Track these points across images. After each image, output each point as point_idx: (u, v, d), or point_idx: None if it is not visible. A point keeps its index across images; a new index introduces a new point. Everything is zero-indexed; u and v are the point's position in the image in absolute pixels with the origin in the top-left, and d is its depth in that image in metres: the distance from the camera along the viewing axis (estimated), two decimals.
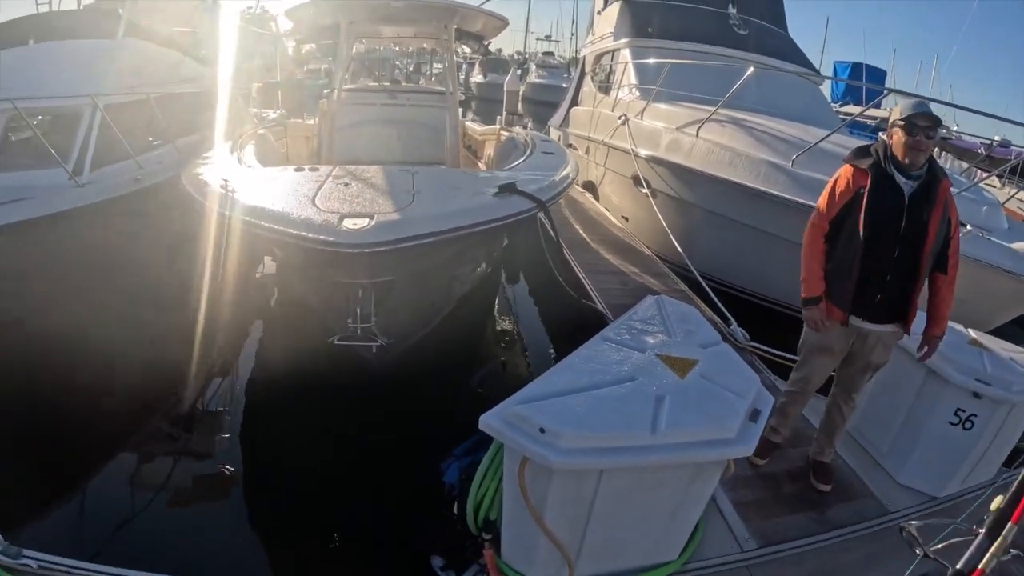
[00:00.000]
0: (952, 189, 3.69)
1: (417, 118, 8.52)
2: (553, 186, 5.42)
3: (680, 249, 7.20)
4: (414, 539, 3.61)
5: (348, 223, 3.63)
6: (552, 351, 6.16)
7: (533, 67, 39.83)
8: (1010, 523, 1.45)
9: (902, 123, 3.18)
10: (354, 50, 10.66)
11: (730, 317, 6.01)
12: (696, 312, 3.70)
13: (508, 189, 4.64)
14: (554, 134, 12.94)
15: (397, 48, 13.92)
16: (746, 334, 5.73)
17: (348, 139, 8.00)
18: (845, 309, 3.42)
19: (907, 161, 3.20)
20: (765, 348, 5.62)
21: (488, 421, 2.47)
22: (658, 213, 7.74)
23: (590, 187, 10.96)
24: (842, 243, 3.37)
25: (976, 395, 3.73)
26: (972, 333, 4.20)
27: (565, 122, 12.45)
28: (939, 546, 1.62)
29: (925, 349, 3.58)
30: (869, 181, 3.27)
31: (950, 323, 4.26)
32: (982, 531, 1.50)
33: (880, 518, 3.78)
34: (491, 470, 2.81)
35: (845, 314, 3.42)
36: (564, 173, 5.94)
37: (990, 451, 4.10)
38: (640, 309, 3.53)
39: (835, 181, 3.45)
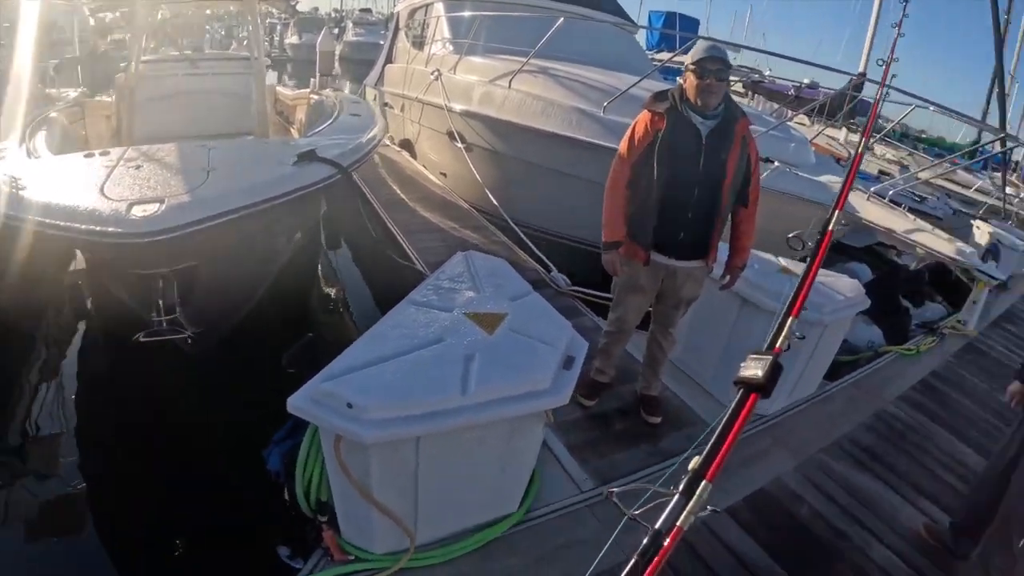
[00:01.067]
0: (755, 127, 3.86)
1: (221, 87, 8.04)
2: (357, 149, 5.26)
3: (495, 201, 7.21)
4: (255, 533, 3.47)
5: (137, 210, 3.32)
6: (380, 315, 5.77)
7: (350, 25, 38.07)
8: (704, 481, 1.49)
9: (693, 67, 3.26)
10: (159, 17, 9.87)
11: (550, 264, 6.11)
12: (505, 264, 3.73)
13: (307, 157, 4.43)
14: (370, 93, 12.54)
15: (209, 12, 12.99)
16: (567, 279, 5.84)
17: (148, 115, 7.42)
18: (647, 248, 3.53)
19: (700, 103, 3.29)
20: (587, 291, 5.75)
21: (295, 403, 2.37)
22: (472, 167, 7.69)
23: (407, 145, 10.71)
24: (643, 185, 3.44)
25: None
26: (782, 261, 4.47)
27: (380, 80, 11.99)
28: (641, 510, 1.56)
29: (727, 279, 3.79)
30: (665, 124, 3.35)
31: (761, 253, 4.51)
32: (678, 491, 1.51)
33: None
34: (312, 451, 2.72)
35: (647, 253, 3.54)
36: (371, 135, 5.79)
37: (809, 369, 4.44)
38: (448, 267, 3.50)
39: (634, 126, 3.50)
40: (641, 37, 13.64)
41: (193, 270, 3.74)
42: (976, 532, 3.38)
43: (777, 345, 1.80)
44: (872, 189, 6.84)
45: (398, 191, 8.32)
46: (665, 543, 1.46)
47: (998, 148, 11.38)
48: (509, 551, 2.96)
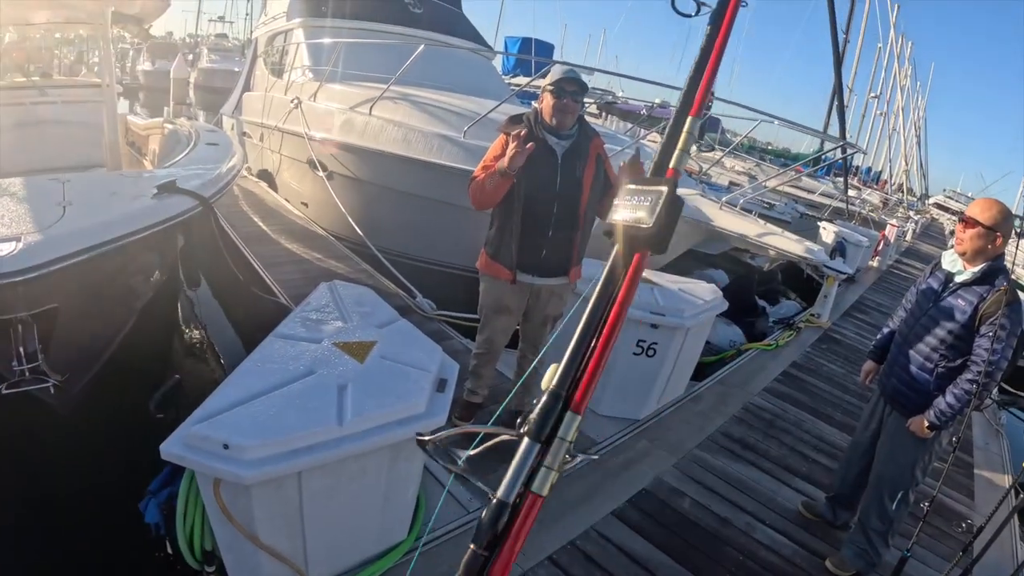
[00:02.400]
0: (610, 146, 4.04)
1: (70, 116, 7.54)
2: (217, 179, 5.11)
3: (358, 229, 7.12)
4: None
5: None
6: (246, 353, 5.55)
7: (205, 51, 36.52)
8: (570, 412, 1.06)
9: (551, 88, 3.36)
10: (6, 39, 9.26)
11: (414, 290, 6.12)
12: (370, 292, 3.72)
13: (168, 188, 4.27)
14: (227, 123, 12.11)
15: (59, 35, 12.15)
16: (432, 304, 5.87)
17: None
18: (511, 268, 3.58)
19: (555, 122, 3.40)
20: (453, 314, 5.81)
21: (169, 449, 2.24)
22: (333, 194, 7.55)
23: (267, 176, 10.42)
24: (504, 207, 3.51)
25: (653, 326, 4.18)
26: (644, 272, 4.68)
27: (238, 109, 11.59)
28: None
29: None
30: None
31: None
32: (525, 432, 1.10)
33: (590, 450, 4.08)
34: (191, 498, 2.59)
35: (512, 272, 3.58)
36: (230, 165, 5.62)
37: (676, 372, 4.64)
38: (313, 298, 3.45)
39: (491, 150, 3.55)
40: (498, 62, 13.93)
41: (53, 313, 3.46)
42: (851, 501, 3.67)
43: (671, 166, 1.08)
44: (724, 199, 7.26)
45: (258, 223, 7.99)
46: (518, 523, 1.04)
47: (839, 155, 12.26)
48: None
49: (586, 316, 1.08)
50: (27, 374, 3.40)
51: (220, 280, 6.97)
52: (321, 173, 7.69)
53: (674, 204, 1.01)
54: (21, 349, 3.36)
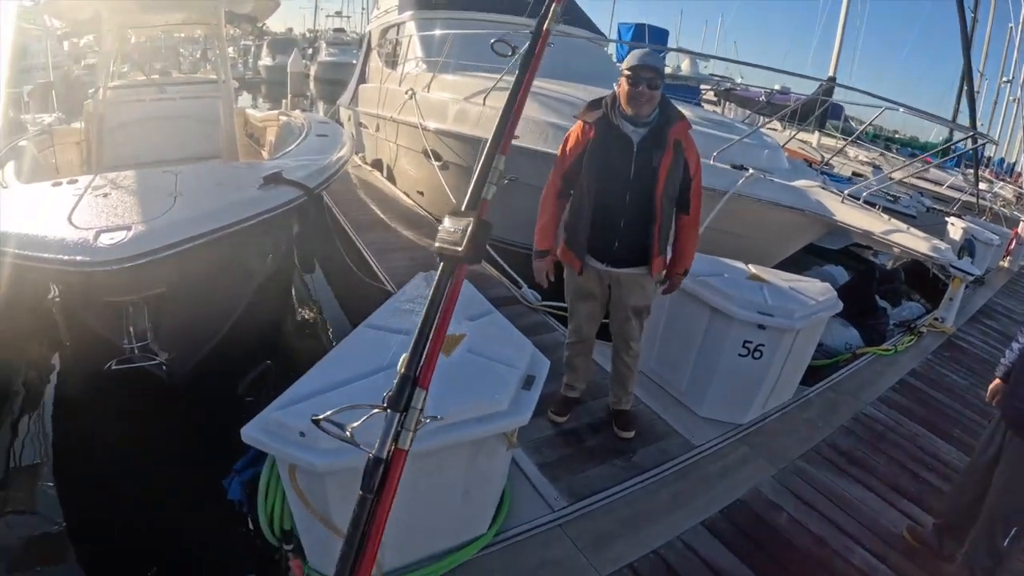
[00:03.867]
0: (721, 134, 3.82)
1: (189, 111, 7.88)
2: (324, 170, 5.25)
3: None
4: (224, 564, 3.42)
5: (105, 238, 3.33)
6: None
7: (323, 45, 37.78)
8: (418, 389, 1.38)
9: (627, 74, 3.22)
10: (132, 41, 9.74)
11: (520, 280, 6.07)
12: (467, 283, 3.61)
13: (273, 179, 4.44)
14: (344, 114, 12.61)
15: (182, 35, 12.78)
16: (537, 295, 5.80)
17: (117, 142, 7.29)
18: (580, 256, 3.53)
19: (631, 111, 3.28)
20: (558, 305, 5.63)
21: (249, 432, 2.32)
22: (444, 184, 7.67)
23: (382, 165, 10.70)
24: (576, 194, 3.47)
25: (761, 327, 3.94)
26: (752, 268, 4.45)
27: (354, 101, 12.00)
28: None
29: (667, 284, 3.74)
30: (595, 133, 3.35)
31: (730, 261, 4.49)
32: (386, 407, 1.37)
33: (686, 454, 3.95)
34: (272, 480, 2.67)
35: (580, 261, 3.54)
36: (338, 155, 5.78)
37: (784, 376, 4.39)
38: (408, 288, 3.45)
39: (566, 138, 3.51)
40: (612, 50, 13.69)
41: (161, 296, 3.72)
42: (961, 531, 3.31)
43: (483, 196, 1.47)
44: (846, 191, 6.83)
45: (371, 210, 8.27)
46: (391, 472, 1.32)
47: (969, 146, 11.45)
48: (479, 574, 2.89)
49: (424, 314, 1.46)
50: (136, 351, 3.67)
51: (334, 266, 7.14)
52: (435, 163, 7.76)
53: (480, 229, 1.38)
54: (132, 329, 3.66)
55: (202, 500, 3.47)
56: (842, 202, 6.49)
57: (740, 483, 3.80)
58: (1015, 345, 3.15)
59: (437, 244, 1.41)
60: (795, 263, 7.48)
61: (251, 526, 2.93)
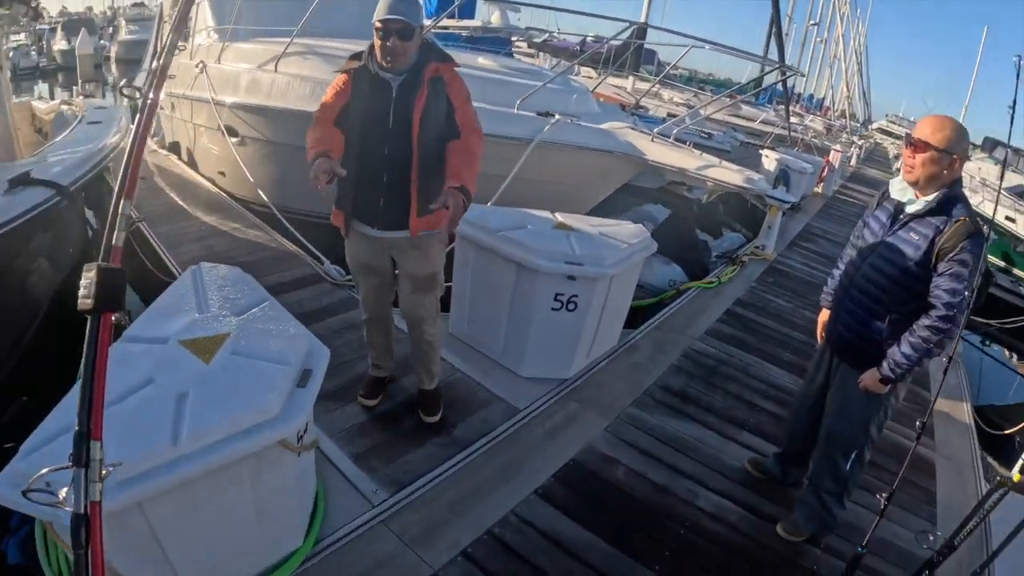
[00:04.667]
0: (532, 82, 3.49)
1: None
2: (82, 163, 4.68)
3: (263, 195, 6.71)
4: None
5: None
6: None
7: (123, 23, 34.78)
8: (92, 441, 1.31)
9: (377, 26, 2.86)
10: None
11: (321, 256, 5.63)
12: (239, 273, 3.13)
13: (21, 181, 3.90)
14: (136, 95, 11.48)
15: None
16: (341, 270, 5.32)
17: None
18: (348, 220, 3.16)
19: (386, 64, 2.93)
20: None
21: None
22: (239, 160, 7.11)
23: (180, 148, 9.86)
24: (346, 149, 3.03)
25: (571, 278, 3.70)
26: (558, 217, 4.20)
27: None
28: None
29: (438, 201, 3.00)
30: (353, 84, 3.02)
31: (535, 212, 4.24)
32: (72, 465, 1.32)
33: (510, 420, 3.69)
34: (47, 535, 2.33)
35: (346, 219, 3.16)
36: (103, 144, 5.22)
37: (604, 323, 4.21)
38: (172, 289, 2.91)
39: (328, 91, 3.12)
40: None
41: None
42: (802, 457, 3.31)
43: (115, 243, 1.36)
44: (655, 130, 6.78)
45: (166, 199, 7.49)
46: (92, 524, 1.32)
47: (778, 79, 11.87)
48: None
49: (81, 370, 1.32)
50: None
51: (133, 268, 6.42)
52: (233, 139, 7.14)
53: (107, 277, 1.28)
54: None
55: None
56: (652, 141, 6.44)
57: (571, 442, 3.58)
58: (835, 272, 3.07)
59: (78, 301, 1.30)
60: (613, 206, 7.43)
61: None
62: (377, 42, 2.90)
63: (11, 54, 28.79)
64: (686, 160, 6.34)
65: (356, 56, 3.08)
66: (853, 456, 2.87)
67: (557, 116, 6.10)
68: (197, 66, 7.83)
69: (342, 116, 3.02)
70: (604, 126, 6.53)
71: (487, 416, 3.70)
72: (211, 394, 2.14)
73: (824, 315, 3.14)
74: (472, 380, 4.01)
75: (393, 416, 3.61)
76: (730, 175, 6.35)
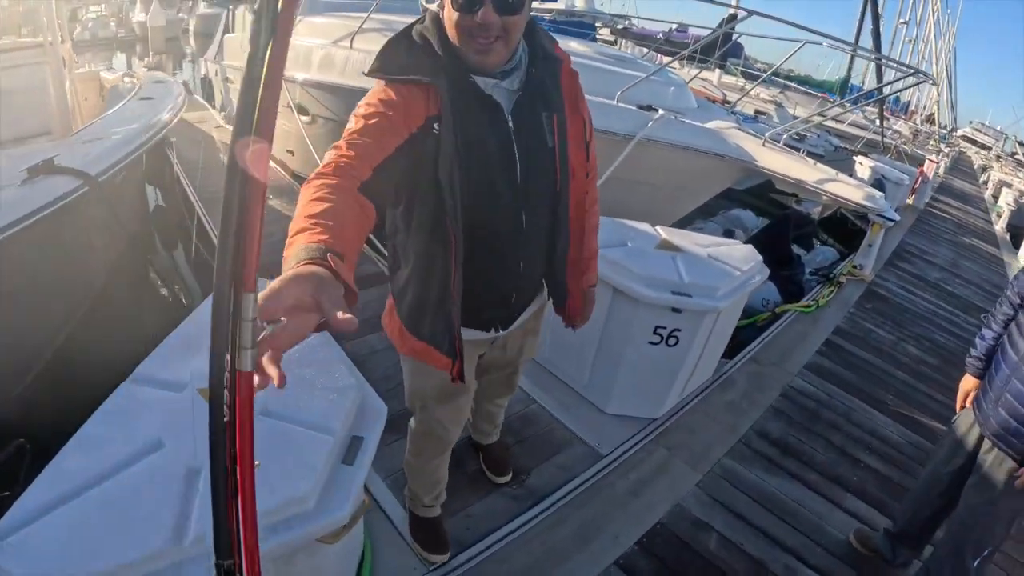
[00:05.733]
0: (625, 71, 2.90)
1: (10, 83, 6.69)
2: (118, 147, 4.32)
3: None
4: None
5: None
6: None
7: None
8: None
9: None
10: None
11: (384, 255, 5.14)
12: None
13: (43, 169, 3.57)
14: (210, 68, 11.60)
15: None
16: None
17: None
18: (452, 353, 1.81)
19: (479, 60, 1.57)
20: None
21: None
22: (308, 143, 6.80)
23: None
24: (417, 247, 1.76)
25: (676, 310, 3.18)
26: (662, 233, 3.67)
27: (220, 53, 10.88)
28: None
29: (576, 317, 2.20)
30: (443, 102, 1.56)
31: (635, 224, 3.75)
32: None
33: (593, 468, 3.21)
34: None
35: (452, 360, 1.82)
36: (153, 120, 4.93)
37: (703, 359, 3.70)
38: (200, 311, 2.40)
39: (367, 107, 1.57)
40: None
41: None
42: (916, 540, 2.91)
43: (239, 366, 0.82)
44: (767, 134, 6.18)
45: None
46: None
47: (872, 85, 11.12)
48: None
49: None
50: None
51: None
52: (304, 118, 6.81)
53: None
54: None
55: None
56: (763, 145, 5.85)
57: (659, 500, 3.09)
58: (987, 334, 2.55)
59: None
60: (706, 208, 6.91)
61: None
62: (453, 17, 1.54)
63: (90, 24, 29.78)
64: (803, 170, 5.74)
65: (403, 43, 1.63)
66: (986, 553, 2.45)
67: (660, 111, 5.57)
68: None
69: (388, 171, 1.50)
70: (710, 125, 5.97)
71: (566, 461, 3.22)
72: None
73: (969, 383, 2.63)
74: (550, 415, 3.53)
75: (455, 455, 3.11)
76: (851, 191, 5.74)
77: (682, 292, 3.15)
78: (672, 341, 3.28)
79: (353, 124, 1.53)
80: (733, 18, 10.33)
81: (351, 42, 6.39)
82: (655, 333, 3.25)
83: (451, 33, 1.56)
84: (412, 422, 2.41)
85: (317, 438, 1.79)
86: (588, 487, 3.08)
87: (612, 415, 3.58)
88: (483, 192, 1.65)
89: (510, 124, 1.66)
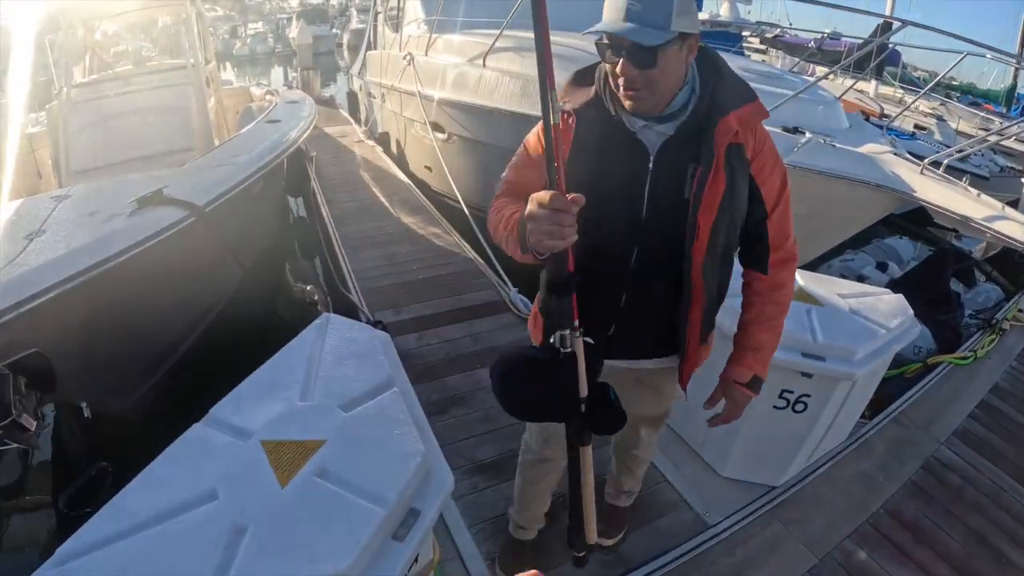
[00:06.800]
0: (773, 89, 2.56)
1: (157, 103, 6.96)
2: (229, 177, 4.39)
3: (460, 199, 6.38)
4: None
5: None
6: None
7: (354, 12, 36.50)
8: None
9: (598, 38, 1.68)
10: (95, 37, 8.75)
11: (507, 282, 5.00)
12: (375, 336, 2.40)
13: (152, 200, 3.68)
14: (356, 84, 12.25)
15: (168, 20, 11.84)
16: (527, 301, 4.60)
17: (84, 144, 6.40)
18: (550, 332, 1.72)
19: (627, 104, 1.68)
20: None
21: None
22: (442, 160, 6.86)
23: (389, 139, 10.03)
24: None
25: (806, 375, 2.79)
26: (799, 279, 3.27)
27: (364, 69, 11.37)
28: None
29: (720, 407, 2.21)
30: (577, 128, 1.74)
31: None
32: None
33: (696, 539, 2.90)
34: None
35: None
36: (268, 146, 5.08)
37: (835, 426, 3.28)
38: (288, 350, 2.27)
39: (526, 140, 1.92)
40: None
41: (36, 356, 3.10)
42: None
43: None
44: (926, 160, 5.58)
45: (365, 195, 7.42)
46: None
47: None
48: None
49: None
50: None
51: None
52: (437, 136, 7.04)
53: None
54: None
55: None
56: (922, 173, 5.29)
57: None
58: None
59: None
60: (854, 239, 6.34)
61: None
62: (606, 67, 1.70)
63: (249, 40, 34.93)
64: (966, 205, 5.15)
65: (582, 77, 1.83)
66: None
67: (808, 135, 5.12)
68: (405, 58, 7.78)
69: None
70: (863, 149, 5.44)
71: (669, 527, 2.94)
72: (270, 538, 1.56)
73: None
74: (658, 471, 3.23)
75: (554, 509, 2.85)
76: (1022, 232, 5.12)
77: (814, 355, 2.77)
78: (799, 407, 2.90)
79: (518, 156, 1.92)
80: (888, 27, 9.58)
81: (484, 60, 6.34)
82: (780, 397, 2.88)
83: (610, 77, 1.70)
84: (524, 441, 2.50)
85: (367, 510, 1.66)
86: (687, 560, 2.78)
87: (727, 478, 3.24)
88: (598, 219, 1.65)
89: (650, 165, 1.71)
